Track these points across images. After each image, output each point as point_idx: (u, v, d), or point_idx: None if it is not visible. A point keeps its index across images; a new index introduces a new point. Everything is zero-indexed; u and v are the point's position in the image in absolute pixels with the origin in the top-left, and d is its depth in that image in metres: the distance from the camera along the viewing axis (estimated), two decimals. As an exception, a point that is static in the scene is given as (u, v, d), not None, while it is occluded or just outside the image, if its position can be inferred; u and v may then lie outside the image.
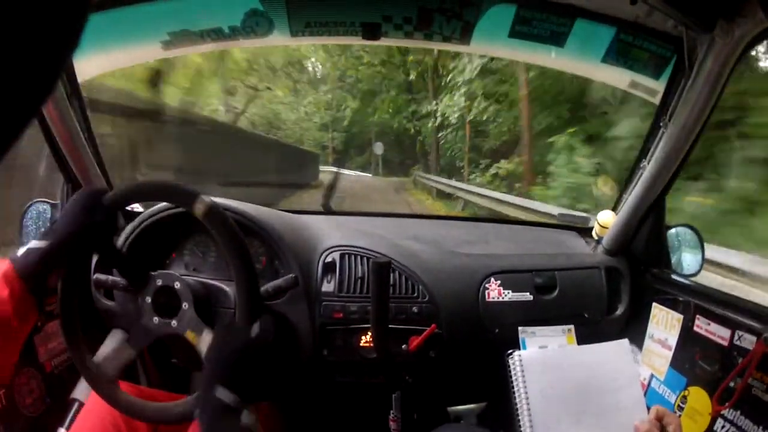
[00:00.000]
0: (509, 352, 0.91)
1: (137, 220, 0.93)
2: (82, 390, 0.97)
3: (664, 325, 1.01)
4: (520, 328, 0.99)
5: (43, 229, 1.09)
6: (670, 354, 0.97)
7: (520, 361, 0.88)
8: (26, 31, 0.17)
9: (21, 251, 0.66)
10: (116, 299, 0.91)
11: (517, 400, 0.86)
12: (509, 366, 0.89)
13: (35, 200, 1.09)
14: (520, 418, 0.85)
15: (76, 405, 0.95)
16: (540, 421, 0.84)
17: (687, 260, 1.09)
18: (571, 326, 1.02)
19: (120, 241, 0.92)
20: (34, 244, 0.66)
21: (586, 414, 0.85)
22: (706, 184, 3.76)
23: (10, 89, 0.18)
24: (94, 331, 0.83)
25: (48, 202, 1.09)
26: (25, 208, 1.09)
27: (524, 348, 0.97)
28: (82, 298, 0.81)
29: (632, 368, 0.90)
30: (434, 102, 11.09)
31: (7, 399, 0.84)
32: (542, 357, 0.91)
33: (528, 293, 1.05)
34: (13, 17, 0.17)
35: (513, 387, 0.87)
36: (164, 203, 0.91)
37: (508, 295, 1.05)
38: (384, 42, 1.02)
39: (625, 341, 0.93)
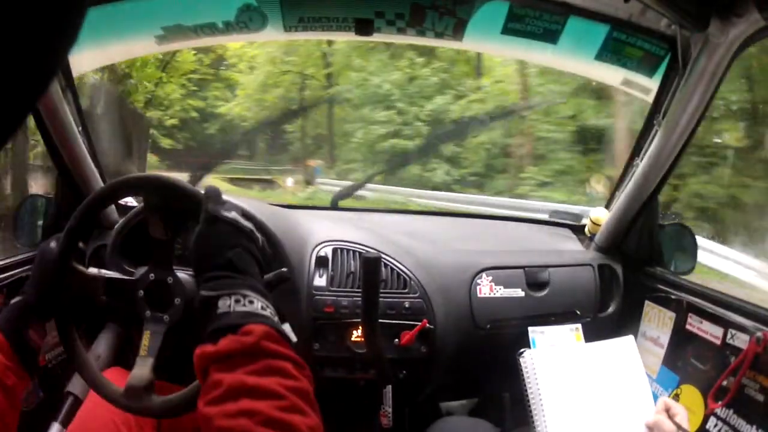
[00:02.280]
0: (520, 351, 0.91)
1: (130, 214, 0.93)
2: (76, 383, 0.97)
3: (656, 323, 1.01)
4: (530, 328, 1.00)
5: (40, 222, 1.10)
6: (662, 352, 0.97)
7: (532, 360, 0.89)
8: (26, 27, 0.18)
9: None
10: (109, 293, 0.91)
11: (531, 397, 0.87)
12: (521, 365, 0.90)
13: (30, 194, 1.10)
14: (535, 414, 0.86)
15: (70, 399, 0.95)
16: (554, 416, 0.85)
17: (680, 258, 1.09)
18: (578, 325, 1.02)
19: (113, 235, 0.92)
20: (12, 300, 0.68)
21: (597, 408, 0.87)
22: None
23: (8, 83, 0.19)
24: (88, 325, 0.83)
25: (43, 196, 1.09)
26: (20, 202, 1.09)
27: (534, 347, 0.98)
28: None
29: (639, 363, 0.92)
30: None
31: None
32: (553, 355, 0.92)
33: (520, 290, 1.06)
34: (13, 13, 0.17)
35: (526, 385, 0.88)
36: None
37: (500, 291, 1.05)
38: (377, 38, 1.02)
39: (631, 338, 0.94)
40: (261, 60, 8.10)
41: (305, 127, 8.47)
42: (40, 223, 1.09)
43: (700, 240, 1.20)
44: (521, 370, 0.89)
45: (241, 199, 0.96)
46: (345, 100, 7.10)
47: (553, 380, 0.88)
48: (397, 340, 0.95)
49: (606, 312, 1.10)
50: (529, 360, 0.89)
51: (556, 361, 0.90)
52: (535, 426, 0.85)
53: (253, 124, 8.22)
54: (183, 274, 0.80)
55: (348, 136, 7.11)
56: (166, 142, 7.99)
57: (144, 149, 6.90)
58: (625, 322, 1.09)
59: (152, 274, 0.76)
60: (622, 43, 1.00)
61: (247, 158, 8.56)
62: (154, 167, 7.31)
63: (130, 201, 1.12)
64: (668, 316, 0.98)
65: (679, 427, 0.74)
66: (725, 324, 0.84)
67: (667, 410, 0.78)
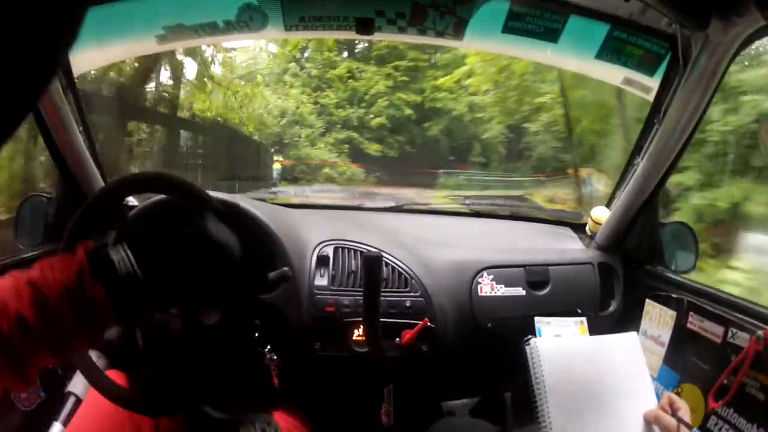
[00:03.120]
0: (526, 338, 0.92)
1: (132, 213, 0.93)
2: (77, 383, 0.97)
3: (657, 321, 1.01)
4: (536, 318, 1.00)
5: (41, 222, 1.09)
6: (663, 351, 0.97)
7: (538, 347, 0.90)
8: (27, 25, 0.18)
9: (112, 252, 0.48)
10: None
11: (536, 384, 0.88)
12: (527, 352, 0.91)
13: (31, 194, 1.10)
14: (539, 402, 0.87)
15: (71, 398, 0.95)
16: (557, 406, 0.86)
17: (680, 257, 1.09)
18: (584, 318, 1.03)
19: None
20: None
21: (600, 400, 0.87)
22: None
23: (9, 82, 0.19)
24: None
25: (43, 196, 1.09)
26: (21, 202, 1.09)
27: (540, 336, 0.99)
28: None
29: (642, 358, 0.93)
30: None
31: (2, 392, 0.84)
32: (557, 345, 0.93)
33: (521, 288, 1.06)
34: (13, 11, 0.17)
35: (531, 372, 0.89)
36: (159, 196, 0.91)
37: (501, 290, 1.05)
38: (377, 37, 1.03)
39: (635, 334, 0.95)
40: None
41: (570, 119, 5.29)
42: (41, 223, 1.09)
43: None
44: (527, 357, 0.90)
45: (241, 197, 0.96)
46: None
47: (557, 369, 0.89)
48: (398, 339, 0.96)
49: (607, 310, 1.11)
50: (534, 348, 0.90)
51: (561, 351, 0.91)
52: (539, 414, 0.86)
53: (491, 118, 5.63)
54: None
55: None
56: (372, 148, 6.21)
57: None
58: (625, 321, 1.09)
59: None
60: (623, 42, 1.00)
61: (482, 167, 6.37)
62: (358, 180, 5.95)
63: (131, 200, 1.12)
64: (669, 315, 0.98)
65: (680, 420, 0.75)
66: (726, 323, 0.84)
67: (671, 405, 0.78)
